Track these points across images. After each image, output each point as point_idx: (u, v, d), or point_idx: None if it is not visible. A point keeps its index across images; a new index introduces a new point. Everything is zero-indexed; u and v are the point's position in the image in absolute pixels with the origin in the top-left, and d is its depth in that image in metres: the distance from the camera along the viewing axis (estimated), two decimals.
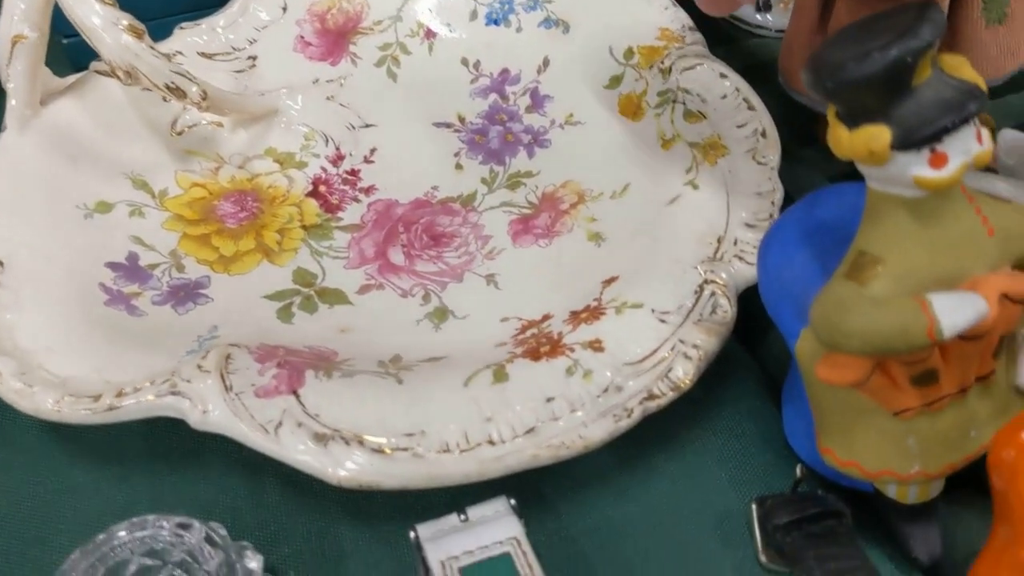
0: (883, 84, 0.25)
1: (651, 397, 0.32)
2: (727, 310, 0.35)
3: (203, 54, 0.47)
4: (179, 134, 0.45)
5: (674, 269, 0.36)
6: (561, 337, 0.35)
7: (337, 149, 0.46)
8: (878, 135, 0.26)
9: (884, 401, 0.29)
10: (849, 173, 0.29)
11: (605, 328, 0.34)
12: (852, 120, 0.26)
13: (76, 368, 0.34)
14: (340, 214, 0.44)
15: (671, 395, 0.33)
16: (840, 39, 0.26)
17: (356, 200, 0.45)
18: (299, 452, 0.31)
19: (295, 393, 0.32)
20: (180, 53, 0.47)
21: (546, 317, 0.37)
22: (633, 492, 0.35)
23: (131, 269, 0.40)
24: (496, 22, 0.49)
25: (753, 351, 0.40)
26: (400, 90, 0.48)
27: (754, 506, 0.33)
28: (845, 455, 0.30)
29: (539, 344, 0.35)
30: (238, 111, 0.45)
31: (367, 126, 0.47)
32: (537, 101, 0.47)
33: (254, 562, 0.31)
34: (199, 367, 0.33)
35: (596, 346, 0.34)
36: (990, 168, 0.40)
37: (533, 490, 0.35)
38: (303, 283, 0.41)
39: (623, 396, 0.32)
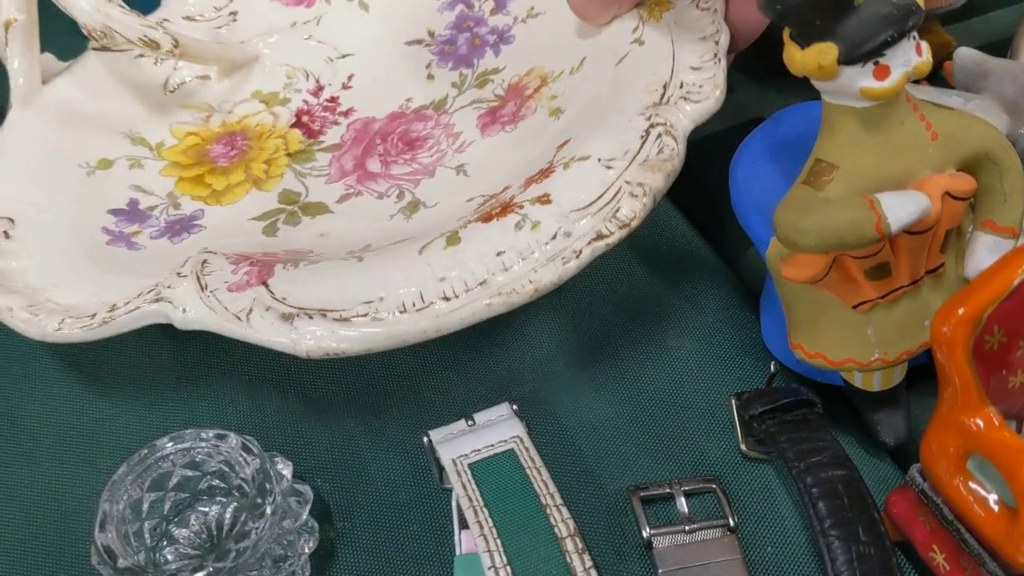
0: (827, 4, 0.28)
1: (599, 237, 0.33)
2: (674, 148, 0.35)
3: (187, 17, 0.50)
4: (171, 91, 0.48)
5: (620, 119, 0.36)
6: (512, 199, 0.36)
7: (317, 82, 0.49)
8: (826, 51, 0.28)
9: (843, 295, 0.32)
10: (816, 96, 0.32)
11: (553, 183, 0.35)
12: (803, 39, 0.29)
13: (78, 296, 0.38)
14: (321, 138, 0.47)
15: (620, 233, 0.33)
16: None
17: (336, 123, 0.47)
18: (268, 332, 0.33)
19: (265, 284, 0.35)
20: (167, 20, 0.50)
21: (505, 188, 0.38)
22: (625, 395, 0.38)
23: (131, 213, 0.43)
24: None
25: (733, 266, 0.43)
26: (372, 17, 0.50)
27: (733, 400, 0.37)
28: (812, 348, 0.33)
29: (492, 209, 0.36)
30: (217, 59, 0.48)
31: (344, 56, 0.50)
32: (500, 2, 0.48)
33: (286, 469, 0.34)
34: (178, 274, 0.36)
35: (544, 200, 0.34)
36: (948, 84, 0.43)
37: (534, 398, 0.38)
38: (288, 202, 0.44)
39: (571, 240, 0.33)
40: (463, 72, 0.47)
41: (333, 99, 0.49)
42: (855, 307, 0.32)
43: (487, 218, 0.35)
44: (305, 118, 0.48)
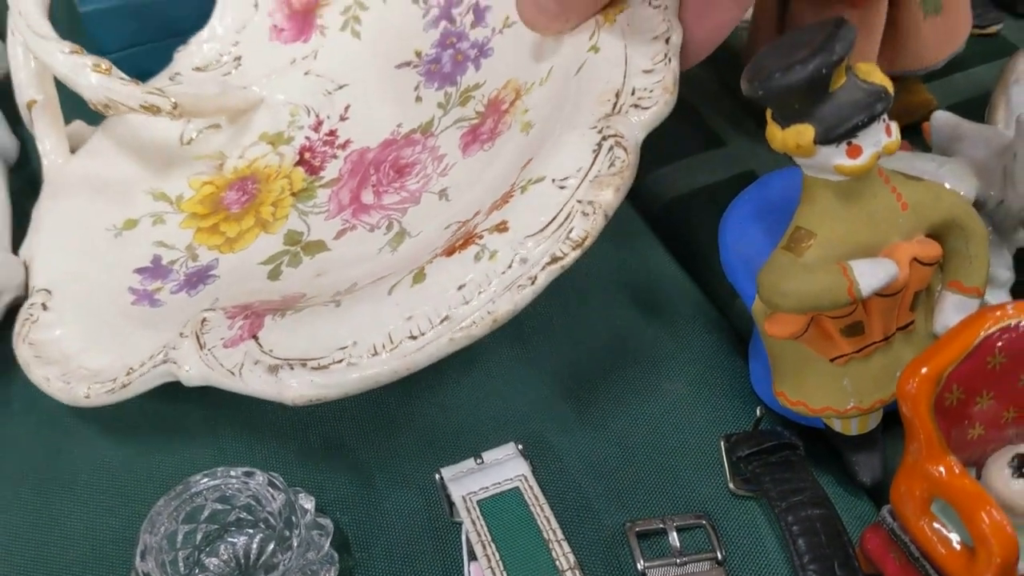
0: (805, 91, 0.31)
1: (554, 260, 0.33)
2: (624, 160, 0.35)
3: (197, 68, 0.52)
4: (187, 143, 0.51)
5: (573, 135, 0.36)
6: (475, 228, 0.36)
7: (317, 116, 0.50)
8: (804, 132, 0.31)
9: (822, 350, 0.35)
10: None
11: (511, 209, 0.35)
12: (784, 120, 0.32)
13: (105, 360, 0.40)
14: (322, 173, 0.48)
15: (574, 254, 0.33)
16: (769, 52, 0.32)
17: (334, 157, 0.49)
18: (257, 385, 0.35)
19: (255, 337, 0.37)
20: (179, 74, 0.52)
21: (476, 213, 0.39)
22: (622, 435, 0.41)
23: (155, 269, 0.46)
24: None
25: (725, 314, 0.46)
26: (365, 45, 0.51)
27: (722, 442, 0.39)
28: (794, 395, 0.36)
29: (456, 241, 0.36)
30: (219, 111, 0.50)
31: (340, 87, 0.51)
32: (479, 15, 0.48)
33: (308, 503, 0.37)
34: (181, 334, 0.38)
35: (502, 228, 0.35)
36: (926, 144, 0.45)
37: (538, 438, 0.41)
38: (292, 243, 0.45)
39: (527, 266, 0.33)
40: (448, 91, 0.48)
41: (332, 132, 0.50)
42: (832, 360, 0.35)
43: (450, 251, 0.35)
44: (307, 155, 0.50)
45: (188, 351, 0.38)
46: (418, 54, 0.50)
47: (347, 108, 0.51)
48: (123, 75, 0.45)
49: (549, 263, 0.33)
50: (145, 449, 0.42)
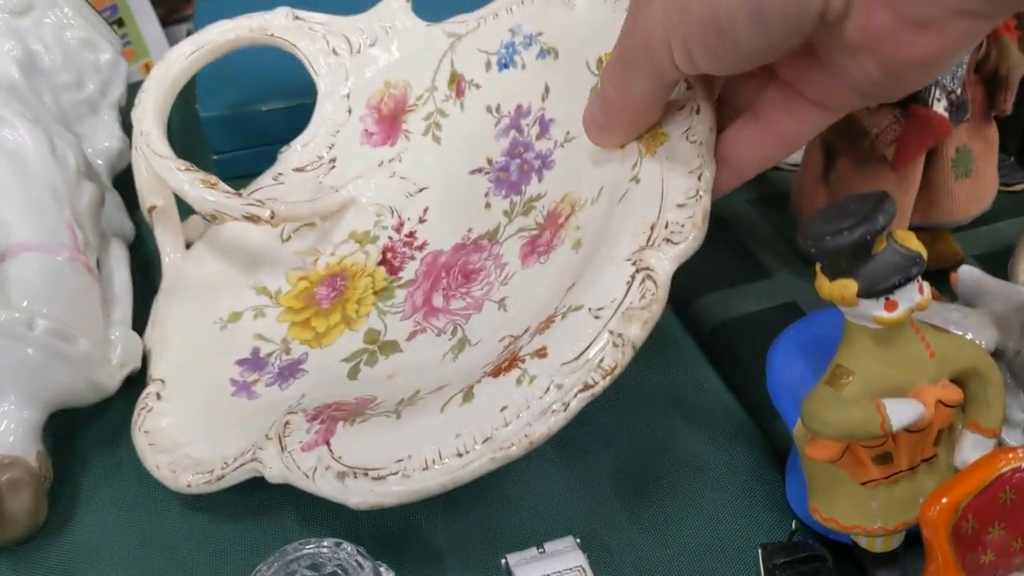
0: (851, 252, 0.36)
1: (586, 387, 0.36)
2: (654, 293, 0.37)
3: (296, 169, 0.57)
4: (286, 241, 0.56)
5: (610, 266, 0.38)
6: (520, 350, 0.38)
7: (399, 217, 0.54)
8: (848, 287, 0.36)
9: (854, 474, 0.39)
10: None
11: (551, 335, 0.38)
12: (831, 274, 0.37)
13: (206, 449, 0.45)
14: (400, 274, 0.52)
15: (604, 382, 0.36)
16: (821, 217, 0.37)
17: (412, 258, 0.52)
18: (327, 489, 0.39)
19: (327, 443, 0.40)
20: (281, 173, 0.57)
21: (525, 330, 0.41)
22: (667, 538, 0.45)
23: (254, 361, 0.51)
24: (506, 66, 0.53)
25: (766, 432, 0.50)
26: (443, 150, 0.54)
27: (759, 550, 0.44)
28: (827, 512, 0.41)
29: (501, 362, 0.39)
30: (312, 216, 0.54)
31: (421, 190, 0.54)
32: (544, 127, 0.51)
33: (389, 574, 0.41)
34: (267, 436, 0.43)
35: (542, 353, 0.37)
36: (953, 293, 0.51)
37: (594, 534, 0.45)
38: (370, 341, 0.49)
39: (562, 392, 0.36)
40: (513, 200, 0.50)
41: (411, 234, 0.54)
42: (863, 484, 0.39)
43: (496, 372, 0.38)
44: (389, 254, 0.53)
45: (272, 453, 0.42)
46: (489, 161, 0.53)
47: (426, 210, 0.55)
48: (228, 188, 0.50)
49: (581, 390, 0.36)
50: (235, 517, 0.47)
